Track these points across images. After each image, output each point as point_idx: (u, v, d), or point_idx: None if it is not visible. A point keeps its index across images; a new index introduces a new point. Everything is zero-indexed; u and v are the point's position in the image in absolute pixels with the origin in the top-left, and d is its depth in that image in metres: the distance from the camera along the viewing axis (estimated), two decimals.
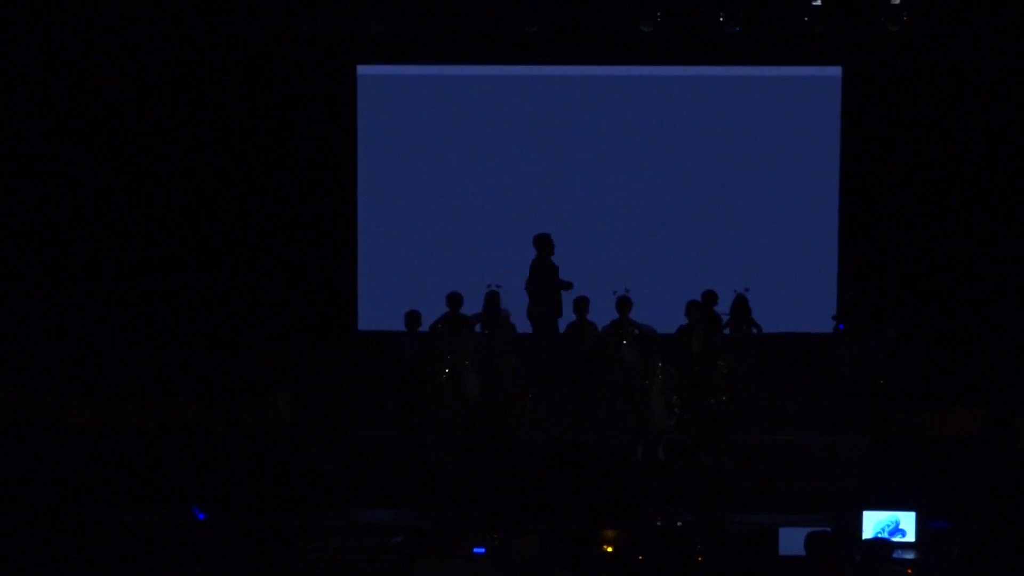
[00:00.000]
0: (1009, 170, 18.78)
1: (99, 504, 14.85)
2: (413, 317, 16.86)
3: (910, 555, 13.24)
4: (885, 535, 13.30)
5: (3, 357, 16.88)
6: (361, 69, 19.37)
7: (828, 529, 12.04)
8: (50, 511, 14.65)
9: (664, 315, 17.06)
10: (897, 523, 13.41)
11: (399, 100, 19.38)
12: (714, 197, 19.35)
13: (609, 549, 13.29)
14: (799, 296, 19.02)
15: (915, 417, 15.87)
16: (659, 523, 13.25)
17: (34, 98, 18.61)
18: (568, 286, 17.48)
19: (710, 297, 17.01)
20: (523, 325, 17.44)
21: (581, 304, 17.18)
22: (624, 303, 16.90)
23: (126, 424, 16.14)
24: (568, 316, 17.37)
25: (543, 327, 17.46)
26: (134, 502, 14.90)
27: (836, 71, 19.14)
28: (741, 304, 17.24)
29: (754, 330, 17.32)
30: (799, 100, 19.25)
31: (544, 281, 17.47)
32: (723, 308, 17.10)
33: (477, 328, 17.01)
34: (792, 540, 12.82)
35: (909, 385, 16.28)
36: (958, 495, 14.60)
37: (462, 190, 19.39)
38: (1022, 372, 16.32)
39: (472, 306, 17.08)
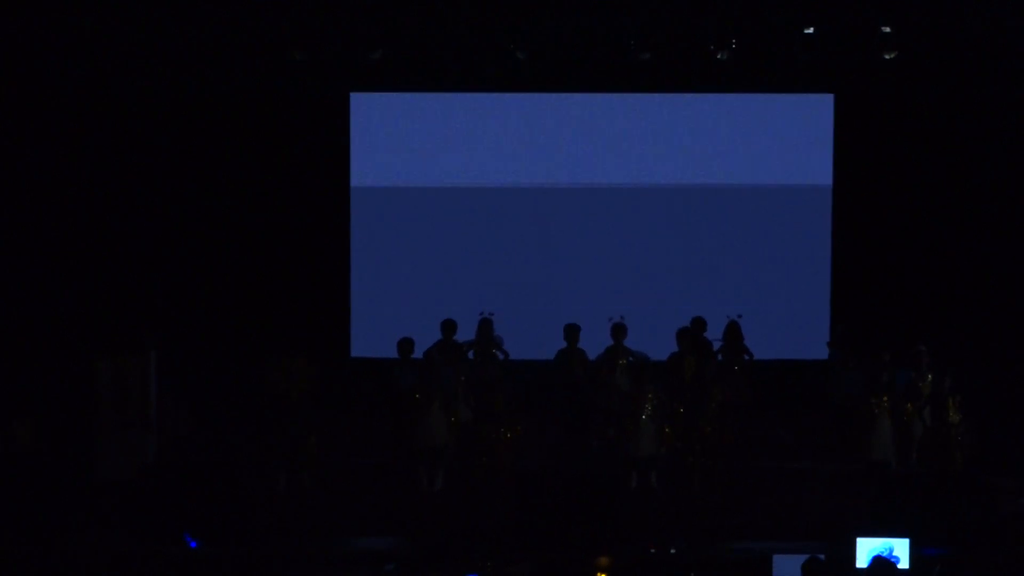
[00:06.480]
0: (1003, 195, 18.83)
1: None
2: (406, 344, 16.84)
3: None
4: None
5: None
6: (354, 95, 19.41)
7: (821, 556, 12.00)
8: None
9: (657, 342, 17.03)
10: (891, 550, 13.35)
11: (393, 124, 19.40)
12: (707, 222, 19.37)
13: None
14: (792, 323, 19.01)
15: None
16: (653, 550, 13.23)
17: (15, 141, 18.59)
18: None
19: (699, 324, 16.98)
20: (516, 352, 17.39)
21: (572, 331, 17.11)
22: (619, 330, 16.84)
23: None
24: (559, 343, 17.28)
25: None
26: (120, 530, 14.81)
27: (828, 98, 19.21)
28: (733, 330, 17.20)
29: (746, 357, 17.28)
30: (792, 125, 19.30)
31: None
32: (716, 334, 17.08)
33: (470, 355, 17.00)
34: (786, 567, 12.77)
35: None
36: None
37: (456, 215, 19.40)
38: None
39: (466, 333, 17.07)
